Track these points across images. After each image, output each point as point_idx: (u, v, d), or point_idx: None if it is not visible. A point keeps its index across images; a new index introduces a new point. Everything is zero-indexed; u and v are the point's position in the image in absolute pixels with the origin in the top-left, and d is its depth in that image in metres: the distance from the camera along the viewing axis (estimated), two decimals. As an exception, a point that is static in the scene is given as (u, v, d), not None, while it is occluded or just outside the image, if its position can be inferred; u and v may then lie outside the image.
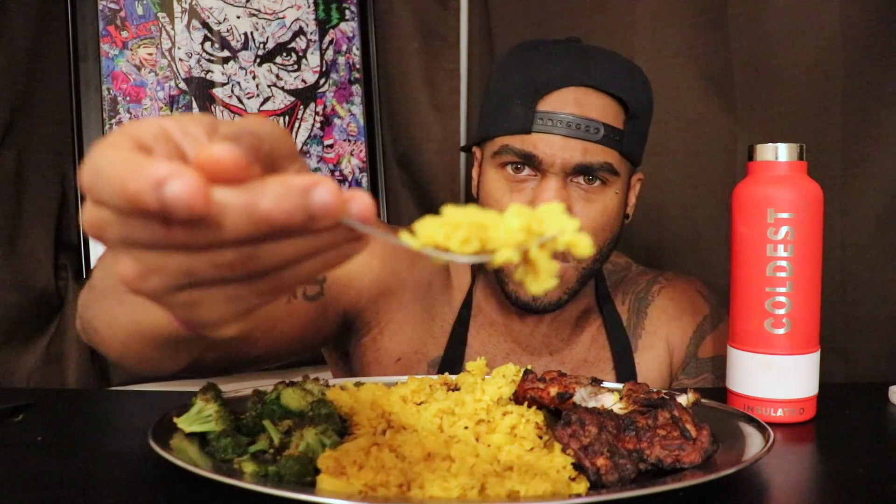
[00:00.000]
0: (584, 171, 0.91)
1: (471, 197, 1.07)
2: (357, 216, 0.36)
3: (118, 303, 0.64)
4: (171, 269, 0.36)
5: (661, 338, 1.05)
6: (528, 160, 0.92)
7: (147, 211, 0.32)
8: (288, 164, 0.39)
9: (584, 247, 0.40)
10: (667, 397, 0.66)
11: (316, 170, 1.45)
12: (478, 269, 1.06)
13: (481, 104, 1.02)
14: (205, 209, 0.32)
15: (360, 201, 0.36)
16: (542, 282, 0.41)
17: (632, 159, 0.97)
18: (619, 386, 0.73)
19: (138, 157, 0.33)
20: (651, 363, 1.04)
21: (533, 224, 0.40)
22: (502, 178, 0.95)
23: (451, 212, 0.40)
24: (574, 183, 0.93)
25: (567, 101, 0.91)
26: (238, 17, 1.38)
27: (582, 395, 0.69)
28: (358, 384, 0.75)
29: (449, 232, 0.39)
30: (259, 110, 1.39)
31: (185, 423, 0.66)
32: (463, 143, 1.52)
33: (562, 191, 0.91)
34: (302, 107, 1.44)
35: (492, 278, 1.03)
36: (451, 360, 1.00)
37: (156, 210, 0.32)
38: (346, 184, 1.49)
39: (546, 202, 0.88)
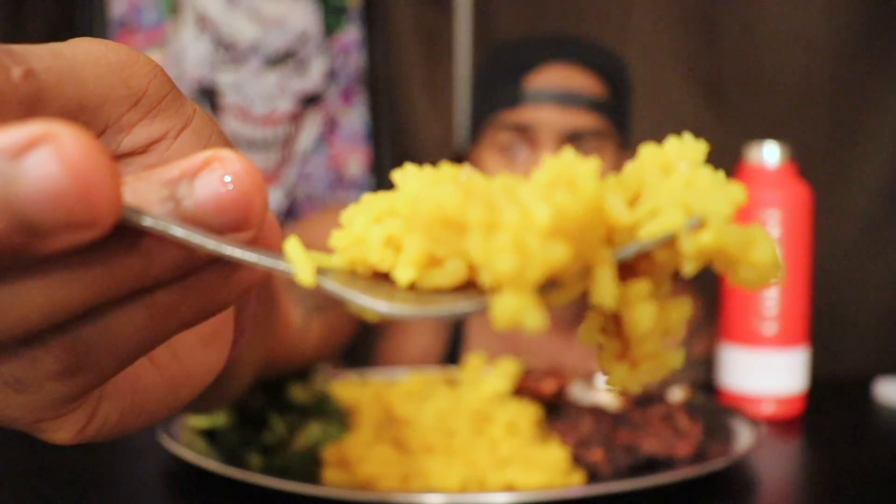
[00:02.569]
0: (576, 136, 0.96)
1: None
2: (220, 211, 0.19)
3: None
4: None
5: None
6: (522, 131, 0.97)
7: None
8: (123, 112, 0.22)
9: (773, 268, 0.20)
10: (660, 393, 0.68)
11: (321, 174, 1.47)
12: None
13: (472, 105, 1.08)
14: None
15: (223, 168, 0.19)
16: (649, 367, 0.21)
17: (620, 129, 1.01)
18: (615, 382, 0.75)
19: None
20: None
21: (630, 211, 0.20)
22: (498, 159, 0.99)
23: (405, 181, 0.21)
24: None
25: (554, 76, 0.97)
26: (245, 24, 1.40)
27: (578, 390, 0.71)
28: (362, 379, 0.77)
29: (394, 234, 0.20)
30: (265, 115, 1.41)
31: (194, 417, 0.68)
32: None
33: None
34: (307, 112, 1.46)
35: None
36: (450, 358, 1.02)
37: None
38: (352, 187, 1.51)
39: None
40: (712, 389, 0.85)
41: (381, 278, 0.20)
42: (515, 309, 0.17)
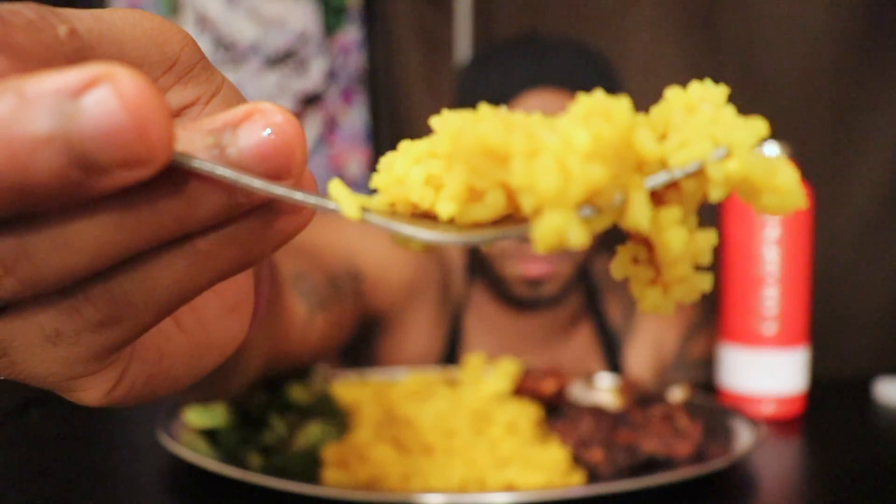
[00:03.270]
0: None
1: None
2: (251, 154, 0.19)
3: None
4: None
5: (650, 341, 1.07)
6: None
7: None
8: (158, 76, 0.23)
9: (795, 194, 0.20)
10: (661, 392, 0.68)
11: (321, 174, 1.47)
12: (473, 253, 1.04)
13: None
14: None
15: (263, 120, 0.20)
16: (681, 290, 0.22)
17: None
18: (615, 381, 0.75)
19: None
20: (640, 367, 1.05)
21: (663, 138, 0.21)
22: None
23: (444, 123, 0.21)
24: None
25: (533, 106, 0.92)
26: (245, 24, 1.40)
27: (578, 390, 0.71)
28: (362, 379, 0.77)
29: (433, 173, 0.21)
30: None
31: (195, 417, 0.68)
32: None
33: None
34: (307, 112, 1.46)
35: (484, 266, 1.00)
36: (449, 356, 1.02)
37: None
38: (353, 188, 1.51)
39: None
40: (712, 389, 0.85)
41: (422, 217, 0.21)
42: (559, 226, 0.18)
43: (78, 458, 0.69)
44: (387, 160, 0.22)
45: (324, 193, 0.21)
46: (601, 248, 1.02)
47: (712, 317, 1.06)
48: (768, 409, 0.80)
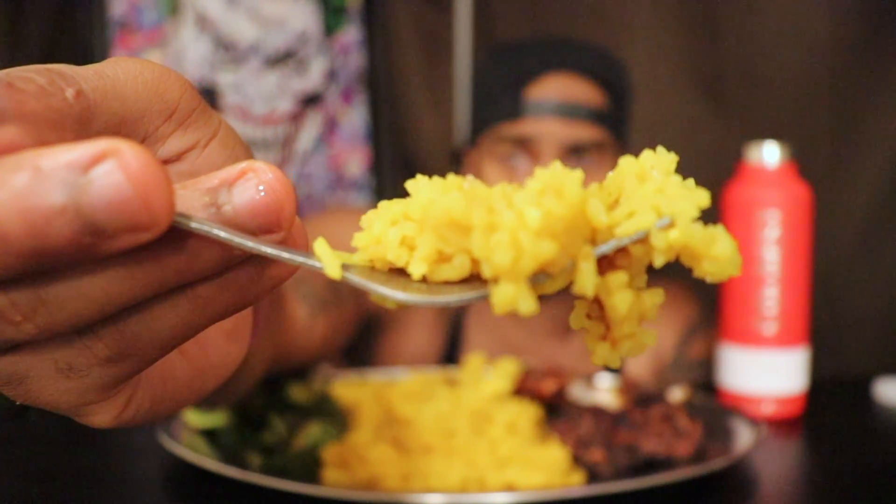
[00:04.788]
0: (576, 148, 0.96)
1: None
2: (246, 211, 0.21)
3: None
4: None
5: None
6: (522, 143, 0.96)
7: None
8: (158, 125, 0.25)
9: (731, 263, 0.22)
10: (661, 392, 0.68)
11: (321, 174, 1.47)
12: None
13: (471, 110, 1.07)
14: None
15: (257, 179, 0.21)
16: (628, 346, 0.24)
17: (620, 138, 1.01)
18: (615, 381, 0.75)
19: None
20: (639, 367, 1.05)
21: (609, 214, 0.23)
22: (498, 169, 0.99)
23: (417, 189, 0.24)
24: (569, 163, 0.96)
25: (554, 87, 0.96)
26: (245, 24, 1.40)
27: (578, 390, 0.71)
28: (362, 379, 0.77)
29: (408, 235, 0.23)
30: (265, 115, 1.41)
31: (195, 417, 0.68)
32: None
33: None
34: (307, 112, 1.46)
35: None
36: (448, 358, 1.02)
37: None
38: (352, 187, 1.51)
39: None
40: (712, 389, 0.85)
41: (397, 273, 0.23)
42: (511, 296, 0.21)
43: (78, 458, 0.69)
44: (367, 219, 0.24)
45: (308, 252, 0.23)
46: None
47: (711, 317, 1.06)
48: (768, 409, 0.80)
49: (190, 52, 1.34)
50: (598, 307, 0.23)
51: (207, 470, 0.59)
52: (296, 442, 0.64)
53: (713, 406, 0.75)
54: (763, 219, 0.80)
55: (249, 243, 0.21)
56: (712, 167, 1.31)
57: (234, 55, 1.38)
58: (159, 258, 0.21)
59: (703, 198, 0.22)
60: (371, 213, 0.24)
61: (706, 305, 1.08)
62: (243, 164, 0.21)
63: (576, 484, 0.60)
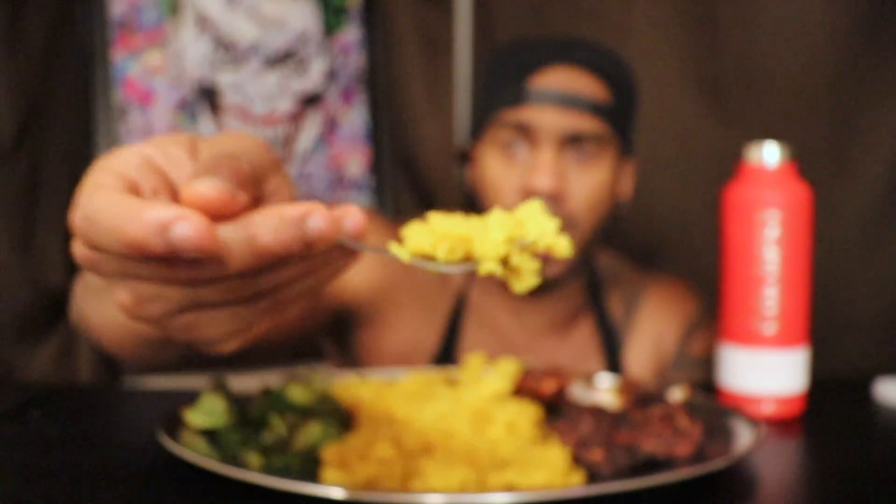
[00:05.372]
0: (576, 138, 0.96)
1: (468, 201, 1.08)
2: (350, 233, 0.37)
3: (109, 301, 0.67)
4: (172, 298, 0.36)
5: (650, 337, 1.07)
6: (523, 130, 0.96)
7: (150, 254, 0.32)
8: (271, 175, 0.39)
9: (563, 248, 0.41)
10: (661, 392, 0.68)
11: (321, 174, 1.47)
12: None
13: (474, 102, 1.07)
14: (213, 248, 0.32)
15: (352, 218, 0.37)
16: (524, 281, 0.42)
17: (624, 136, 1.01)
18: (615, 381, 0.75)
19: (132, 200, 0.33)
20: (640, 361, 1.05)
21: (515, 231, 0.40)
22: (499, 156, 0.99)
23: (436, 220, 0.40)
24: (568, 153, 0.96)
25: (557, 78, 0.96)
26: (245, 24, 1.40)
27: (578, 390, 0.71)
28: (361, 379, 0.77)
29: (436, 241, 0.39)
30: (265, 115, 1.41)
31: (195, 417, 0.68)
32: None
33: (555, 158, 0.95)
34: (307, 112, 1.46)
35: None
36: (445, 355, 1.02)
37: (161, 252, 0.32)
38: (352, 187, 1.51)
39: (543, 166, 0.90)
40: (712, 389, 0.85)
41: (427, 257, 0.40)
42: (491, 269, 0.40)
43: (78, 458, 0.69)
44: (410, 233, 0.40)
45: (385, 247, 0.40)
46: (603, 242, 1.02)
47: (711, 315, 1.06)
48: (768, 409, 0.80)
49: (190, 52, 1.34)
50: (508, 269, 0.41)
51: (207, 470, 0.59)
52: (295, 442, 0.64)
53: (713, 406, 0.75)
54: (763, 219, 0.80)
55: (355, 243, 0.38)
56: (713, 167, 1.31)
57: (234, 55, 1.38)
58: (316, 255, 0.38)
59: (554, 224, 0.41)
60: (411, 230, 0.40)
61: (705, 304, 1.08)
62: (307, 205, 0.35)
63: (576, 484, 0.59)
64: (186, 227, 0.32)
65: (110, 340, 0.77)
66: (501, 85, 0.99)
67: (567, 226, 0.96)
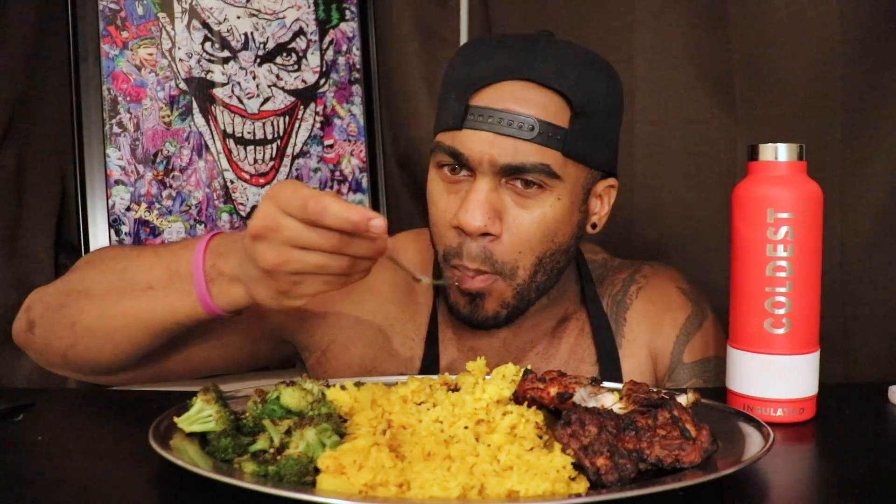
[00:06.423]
0: (515, 171, 0.84)
1: None
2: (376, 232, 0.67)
3: (129, 297, 0.84)
4: (308, 262, 0.69)
5: (642, 345, 1.00)
6: (457, 158, 0.86)
7: (350, 231, 0.67)
8: None
9: None
10: (666, 397, 0.66)
11: (316, 170, 1.45)
12: (437, 286, 1.02)
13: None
14: (378, 233, 0.67)
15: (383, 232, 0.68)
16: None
17: (587, 162, 0.89)
18: (619, 386, 0.73)
19: (349, 204, 0.67)
20: (633, 372, 0.99)
21: None
22: (440, 179, 0.90)
23: None
24: (509, 186, 0.86)
25: (502, 97, 0.84)
26: (238, 18, 1.38)
27: (582, 395, 0.69)
28: (358, 384, 0.75)
29: None
30: (259, 110, 1.39)
31: (186, 422, 0.66)
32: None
33: (492, 193, 0.85)
34: (302, 107, 1.44)
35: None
36: (428, 370, 0.97)
37: (352, 231, 0.67)
38: (347, 184, 1.49)
39: (472, 203, 0.86)
40: (721, 394, 0.84)
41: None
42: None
43: (69, 464, 0.68)
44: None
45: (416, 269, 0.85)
46: (553, 267, 0.92)
47: (704, 318, 1.04)
48: (779, 414, 0.79)
49: (182, 46, 1.32)
50: None
51: (200, 476, 0.58)
52: (290, 448, 0.62)
53: (721, 411, 0.74)
54: (773, 218, 0.78)
55: (398, 259, 0.76)
56: (723, 166, 1.29)
57: (227, 49, 1.36)
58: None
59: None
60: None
61: (700, 302, 1.06)
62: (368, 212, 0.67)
63: (580, 492, 0.58)
64: (378, 222, 0.67)
65: (98, 339, 0.86)
66: (444, 100, 0.89)
67: (497, 270, 0.87)
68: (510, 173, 0.85)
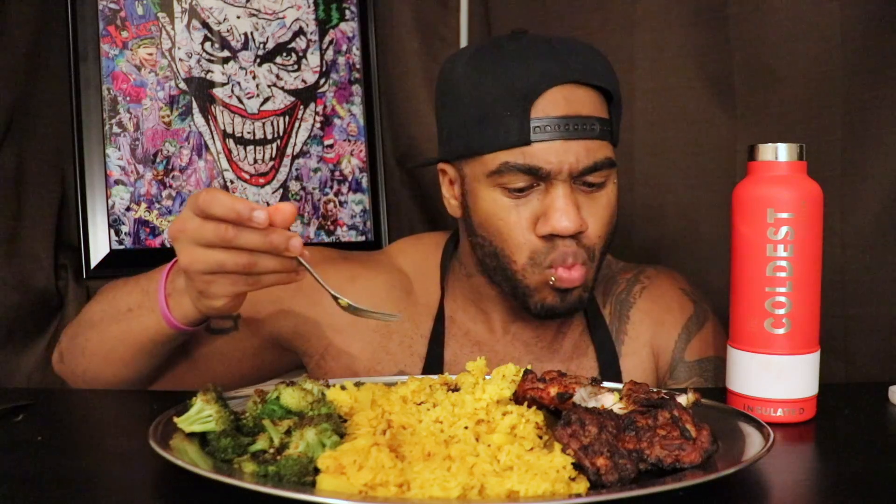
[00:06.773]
0: (590, 171, 0.88)
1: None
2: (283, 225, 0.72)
3: (115, 321, 0.90)
4: (210, 260, 0.73)
5: (644, 343, 1.02)
6: (534, 173, 0.87)
7: (234, 220, 0.71)
8: None
9: None
10: (667, 397, 0.66)
11: (316, 170, 1.45)
12: (451, 281, 1.04)
13: (444, 118, 0.96)
14: (259, 224, 0.71)
15: (295, 239, 0.73)
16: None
17: (617, 143, 0.95)
18: (619, 386, 0.73)
19: (238, 197, 0.71)
20: (635, 369, 1.01)
21: None
22: (503, 196, 0.90)
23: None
24: (580, 181, 0.89)
25: (558, 103, 0.87)
26: (238, 18, 1.38)
27: (582, 395, 0.69)
28: (358, 384, 0.75)
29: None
30: (259, 110, 1.39)
31: (186, 423, 0.66)
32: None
33: (571, 196, 0.88)
34: (302, 107, 1.44)
35: (468, 289, 1.01)
36: (433, 371, 0.98)
37: (236, 220, 0.71)
38: (347, 184, 1.49)
39: (560, 212, 0.86)
40: (721, 394, 0.83)
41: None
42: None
43: (68, 464, 0.68)
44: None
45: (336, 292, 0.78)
46: (612, 242, 0.98)
47: (706, 318, 1.04)
48: (779, 414, 0.79)
49: (182, 46, 1.32)
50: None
51: (199, 476, 0.58)
52: (290, 448, 0.62)
53: (721, 411, 0.73)
54: (773, 218, 0.78)
55: (316, 275, 0.76)
56: (723, 166, 1.29)
57: (227, 49, 1.36)
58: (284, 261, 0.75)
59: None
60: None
61: (702, 303, 1.06)
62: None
63: (580, 492, 0.58)
64: (261, 213, 0.71)
65: (100, 358, 0.92)
66: (497, 118, 0.88)
67: (589, 258, 0.91)
68: (585, 173, 0.89)
